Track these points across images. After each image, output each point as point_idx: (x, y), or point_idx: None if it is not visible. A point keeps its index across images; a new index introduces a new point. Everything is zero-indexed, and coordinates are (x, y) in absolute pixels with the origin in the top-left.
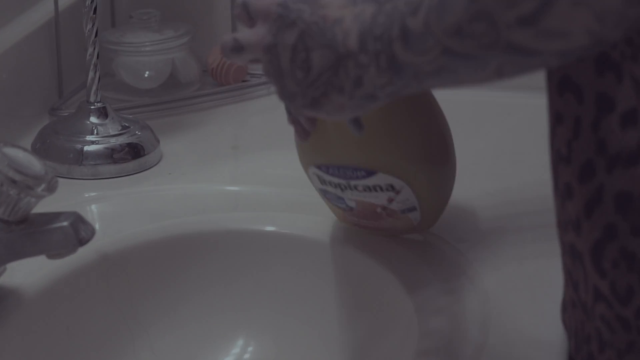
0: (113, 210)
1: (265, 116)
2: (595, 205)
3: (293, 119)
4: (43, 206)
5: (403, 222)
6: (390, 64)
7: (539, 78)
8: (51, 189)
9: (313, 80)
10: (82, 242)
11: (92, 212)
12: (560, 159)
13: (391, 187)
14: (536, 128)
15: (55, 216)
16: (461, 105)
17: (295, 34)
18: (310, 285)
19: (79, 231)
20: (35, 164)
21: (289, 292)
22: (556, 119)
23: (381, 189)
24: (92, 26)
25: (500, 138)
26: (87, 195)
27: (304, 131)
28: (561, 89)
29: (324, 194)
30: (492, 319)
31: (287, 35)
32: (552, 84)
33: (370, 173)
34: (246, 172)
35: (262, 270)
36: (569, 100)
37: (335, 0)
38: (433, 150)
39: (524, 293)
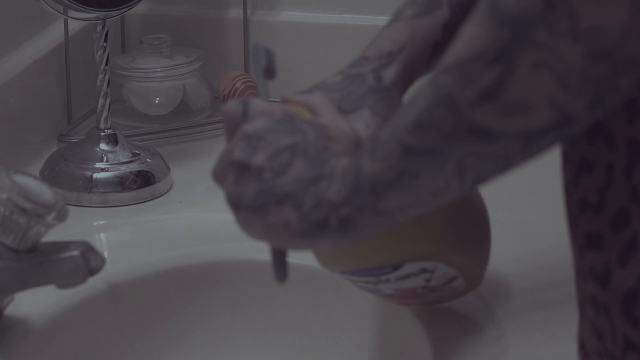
0: (122, 239)
1: None
2: (631, 253)
3: None
4: (50, 234)
5: (449, 292)
6: (354, 178)
7: None
8: (61, 217)
9: (279, 185)
10: (93, 272)
11: (101, 241)
12: (586, 207)
13: (424, 270)
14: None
15: (65, 245)
16: None
17: (289, 140)
18: (322, 318)
19: (89, 261)
20: (45, 192)
21: (300, 325)
22: (583, 166)
23: (414, 274)
24: (103, 52)
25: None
26: (96, 224)
27: None
28: (591, 136)
29: (358, 285)
30: None
31: (281, 137)
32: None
33: (396, 267)
34: None
35: (274, 301)
36: (600, 147)
37: (341, 136)
38: (463, 230)
39: (543, 335)
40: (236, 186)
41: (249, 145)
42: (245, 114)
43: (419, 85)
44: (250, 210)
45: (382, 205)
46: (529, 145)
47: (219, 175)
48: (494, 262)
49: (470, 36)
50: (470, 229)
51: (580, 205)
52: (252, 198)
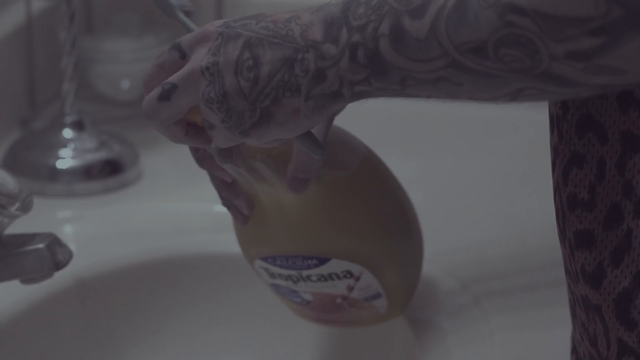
0: (89, 231)
1: None
2: (625, 252)
3: (228, 203)
4: (12, 227)
5: (369, 311)
6: (371, 60)
7: None
8: (26, 208)
9: (262, 87)
10: (59, 266)
11: (67, 234)
12: (576, 204)
13: (349, 274)
14: (544, 146)
15: (30, 238)
16: (460, 121)
17: (239, 44)
18: None
19: (55, 254)
20: (8, 181)
21: (279, 321)
22: (573, 161)
23: (338, 277)
24: (69, 34)
25: (504, 157)
26: (61, 215)
27: (242, 215)
28: (581, 129)
29: (275, 288)
30: None
31: (230, 48)
32: (569, 124)
33: (322, 261)
34: None
35: (251, 297)
36: (591, 140)
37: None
38: (390, 225)
39: (534, 337)
40: (227, 121)
41: (211, 80)
42: (184, 55)
43: None
44: (256, 128)
45: (406, 92)
46: (605, 90)
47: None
48: (484, 256)
49: None
50: (404, 245)
51: (571, 202)
52: (251, 122)
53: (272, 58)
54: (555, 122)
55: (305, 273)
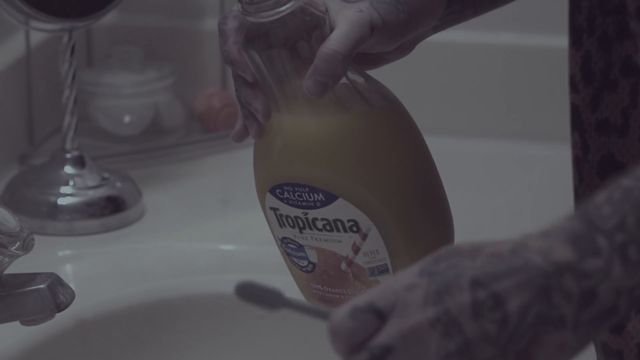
0: (90, 270)
1: None
2: None
3: (246, 109)
4: (12, 266)
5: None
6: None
7: (562, 126)
8: (27, 247)
9: (514, 327)
10: (61, 307)
11: (67, 273)
12: None
13: (356, 226)
14: (559, 184)
15: (31, 278)
16: (473, 157)
17: (467, 286)
18: (309, 354)
19: (57, 295)
20: (9, 220)
21: None
22: None
23: (344, 227)
24: (70, 67)
25: (519, 195)
26: (61, 254)
27: (257, 124)
28: (603, 170)
29: (285, 245)
30: None
31: (456, 291)
32: (590, 165)
33: (329, 198)
34: (237, 230)
35: (256, 339)
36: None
37: (496, 243)
38: (407, 184)
39: None
40: None
41: (445, 332)
42: (385, 316)
43: None
44: None
45: None
46: None
47: None
48: None
49: None
50: (423, 218)
51: None
52: None
53: (519, 294)
54: (576, 164)
55: (311, 215)
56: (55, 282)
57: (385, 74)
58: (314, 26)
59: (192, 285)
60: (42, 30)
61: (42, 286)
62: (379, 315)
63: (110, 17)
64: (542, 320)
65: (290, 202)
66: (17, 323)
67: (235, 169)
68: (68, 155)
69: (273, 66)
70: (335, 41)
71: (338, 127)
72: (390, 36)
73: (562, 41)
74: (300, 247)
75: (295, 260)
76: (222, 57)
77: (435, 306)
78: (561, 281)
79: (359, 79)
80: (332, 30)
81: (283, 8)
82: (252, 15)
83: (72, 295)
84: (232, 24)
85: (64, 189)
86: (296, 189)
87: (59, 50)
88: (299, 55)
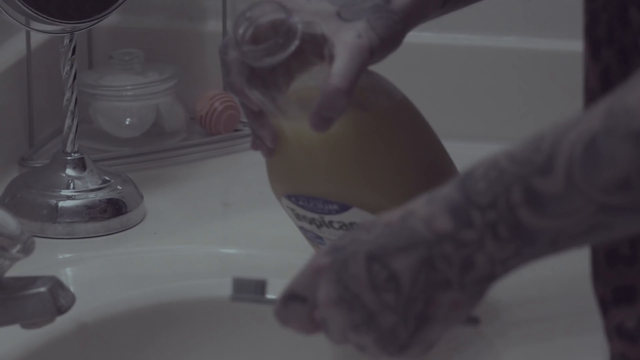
0: (91, 274)
1: (260, 169)
2: None
3: (255, 133)
4: (12, 269)
5: None
6: (516, 233)
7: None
8: (27, 250)
9: (409, 293)
10: (62, 310)
11: (67, 276)
12: (616, 260)
13: None
14: None
15: (31, 281)
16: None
17: (362, 261)
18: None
19: (57, 298)
20: (10, 222)
21: None
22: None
23: None
24: (71, 68)
25: None
26: (61, 257)
27: (266, 147)
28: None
29: (304, 232)
30: None
31: (353, 268)
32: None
33: (343, 208)
34: (239, 233)
35: (258, 343)
36: None
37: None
38: (419, 184)
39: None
40: (383, 343)
41: (349, 307)
42: (305, 300)
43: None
44: (415, 334)
45: (559, 247)
46: None
47: None
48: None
49: None
50: None
51: (609, 259)
52: (408, 331)
53: (407, 262)
54: None
55: (327, 218)
56: (56, 286)
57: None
58: (313, 63)
59: (193, 288)
60: (43, 31)
61: (42, 289)
62: (302, 300)
63: (111, 19)
64: (430, 285)
65: (306, 207)
66: (17, 326)
67: (237, 172)
68: (69, 158)
69: (275, 102)
70: (338, 77)
71: (344, 143)
72: (388, 50)
73: (569, 45)
74: (319, 238)
75: (315, 243)
76: (227, 88)
77: (337, 284)
78: (442, 249)
79: (362, 82)
80: (331, 56)
81: (281, 54)
82: (251, 60)
83: (73, 299)
84: (232, 54)
85: (65, 192)
86: (310, 199)
87: (60, 52)
88: (300, 92)
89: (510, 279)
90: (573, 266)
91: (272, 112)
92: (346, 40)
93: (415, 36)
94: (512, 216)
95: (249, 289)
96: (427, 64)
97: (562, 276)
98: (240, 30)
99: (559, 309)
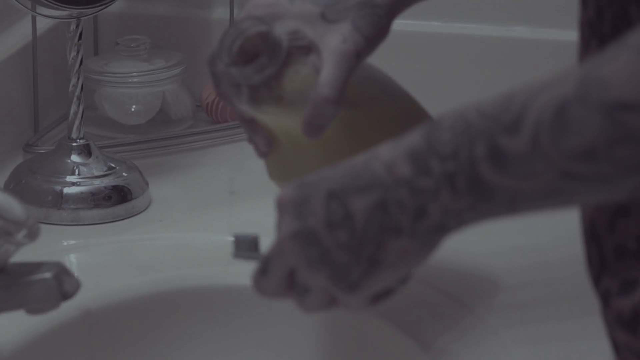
0: (96, 261)
1: None
2: None
3: (249, 138)
4: (17, 255)
5: None
6: (473, 187)
7: None
8: (32, 235)
9: (362, 234)
10: (66, 296)
11: (72, 263)
12: (624, 254)
13: None
14: None
15: (36, 267)
16: None
17: (322, 198)
18: (318, 348)
19: (62, 284)
20: (15, 208)
21: (292, 358)
22: (619, 211)
23: None
24: (77, 54)
25: None
26: (66, 244)
27: (261, 151)
28: None
29: None
30: None
31: (314, 205)
32: None
33: None
34: (245, 221)
35: (263, 331)
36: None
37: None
38: None
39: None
40: (335, 280)
41: (306, 243)
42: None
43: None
44: (365, 277)
45: (516, 208)
46: None
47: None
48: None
49: None
50: None
51: (618, 252)
52: (359, 272)
53: (363, 204)
54: None
55: None
56: (61, 272)
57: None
58: (302, 71)
59: (199, 276)
60: (49, 16)
61: (47, 275)
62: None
63: (118, 5)
64: (383, 229)
65: None
66: (22, 312)
67: (242, 160)
68: (74, 144)
69: (266, 111)
70: (325, 87)
71: (336, 143)
72: (376, 46)
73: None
74: None
75: None
76: (219, 98)
77: (296, 221)
78: (398, 195)
79: (356, 78)
80: (318, 63)
81: (268, 70)
82: (239, 80)
83: (78, 285)
84: (221, 66)
85: (70, 178)
86: None
87: (66, 38)
88: (289, 104)
89: (512, 262)
90: (576, 249)
91: (264, 119)
92: (332, 47)
93: (423, 25)
94: (472, 170)
95: (246, 247)
96: (435, 54)
97: (564, 259)
98: (224, 54)
99: (560, 292)
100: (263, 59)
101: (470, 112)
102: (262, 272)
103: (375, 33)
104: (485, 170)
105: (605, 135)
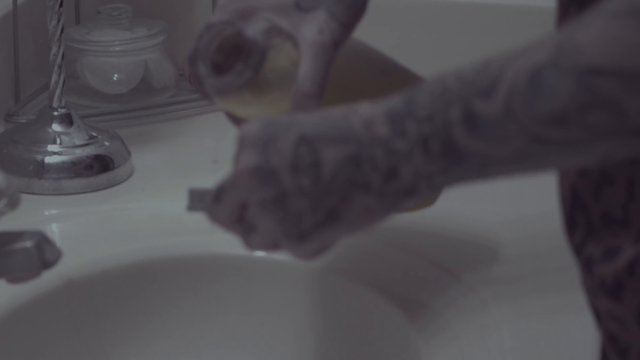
0: (78, 230)
1: None
2: (636, 264)
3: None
4: None
5: None
6: (447, 150)
7: None
8: (13, 204)
9: (327, 184)
10: (47, 265)
11: (54, 232)
12: (611, 221)
13: None
14: None
15: (17, 236)
16: None
17: (291, 139)
18: (301, 317)
19: (43, 253)
20: None
21: (276, 326)
22: (604, 179)
23: None
24: (58, 22)
25: None
26: (47, 213)
27: None
28: None
29: None
30: None
31: (281, 144)
32: None
33: None
34: None
35: (246, 300)
36: (621, 163)
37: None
38: None
39: (546, 342)
40: (283, 220)
41: (264, 180)
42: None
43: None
44: (318, 228)
45: (488, 173)
46: None
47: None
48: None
49: (635, 44)
50: None
51: (604, 219)
52: (314, 221)
53: (335, 155)
54: None
55: None
56: (42, 240)
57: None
58: (282, 65)
59: (181, 245)
60: None
61: (28, 244)
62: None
63: None
64: (351, 184)
65: None
66: (3, 282)
67: (226, 129)
68: (55, 113)
69: (249, 107)
70: (306, 82)
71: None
72: (353, 30)
73: None
74: None
75: None
76: (202, 96)
77: (258, 156)
78: (372, 153)
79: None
80: (296, 56)
81: (246, 75)
82: (218, 88)
83: (59, 254)
84: (202, 69)
85: (51, 147)
86: None
87: (47, 6)
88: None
89: (502, 234)
90: None
91: (249, 113)
92: (308, 39)
93: None
94: (446, 133)
95: (200, 199)
96: (417, 22)
97: (555, 231)
98: (201, 64)
99: (550, 265)
100: (240, 65)
101: (449, 77)
102: (215, 200)
103: (352, 16)
104: (459, 133)
105: (577, 100)
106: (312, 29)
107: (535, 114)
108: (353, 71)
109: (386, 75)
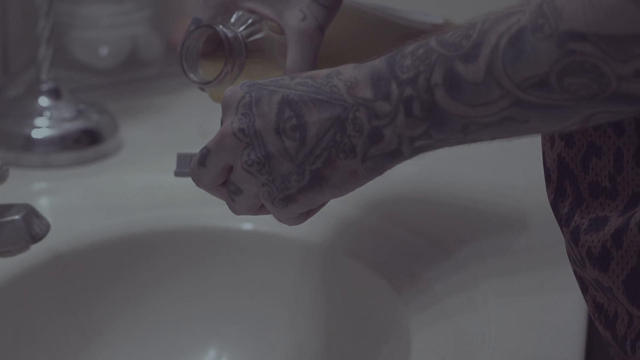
0: (66, 203)
1: None
2: (623, 234)
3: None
4: None
5: None
6: (429, 113)
7: None
8: (1, 177)
9: (311, 147)
10: (36, 238)
11: (43, 206)
12: (599, 192)
13: None
14: None
15: (5, 209)
16: None
17: (276, 102)
18: (291, 290)
19: (32, 226)
20: None
21: (266, 298)
22: (591, 149)
23: None
24: None
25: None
26: (36, 187)
27: None
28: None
29: None
30: (493, 339)
31: (265, 107)
32: None
33: None
34: None
35: (237, 273)
36: (607, 132)
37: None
38: None
39: (531, 309)
40: (268, 183)
41: (248, 142)
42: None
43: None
44: (304, 191)
45: (469, 138)
46: None
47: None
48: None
49: (622, 11)
50: None
51: (593, 190)
52: (299, 185)
53: (319, 117)
54: None
55: None
56: (30, 213)
57: None
58: (271, 56)
59: (170, 218)
60: None
61: (16, 217)
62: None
63: None
64: (335, 146)
65: None
66: None
67: (214, 102)
68: (44, 87)
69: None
70: (295, 70)
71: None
72: (337, 9)
73: None
74: None
75: None
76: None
77: (243, 117)
78: (356, 115)
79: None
80: (283, 44)
81: (234, 72)
82: (206, 87)
83: (48, 227)
84: (190, 74)
85: (39, 121)
86: None
87: None
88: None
89: (491, 208)
90: None
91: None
92: (292, 26)
93: None
94: (428, 96)
95: (187, 164)
96: None
97: (544, 206)
98: (190, 71)
99: (540, 239)
100: (226, 68)
101: (432, 40)
102: (200, 163)
103: (333, 1)
104: (441, 96)
105: (557, 64)
106: (295, 16)
107: (516, 77)
108: (347, 40)
109: (386, 32)
